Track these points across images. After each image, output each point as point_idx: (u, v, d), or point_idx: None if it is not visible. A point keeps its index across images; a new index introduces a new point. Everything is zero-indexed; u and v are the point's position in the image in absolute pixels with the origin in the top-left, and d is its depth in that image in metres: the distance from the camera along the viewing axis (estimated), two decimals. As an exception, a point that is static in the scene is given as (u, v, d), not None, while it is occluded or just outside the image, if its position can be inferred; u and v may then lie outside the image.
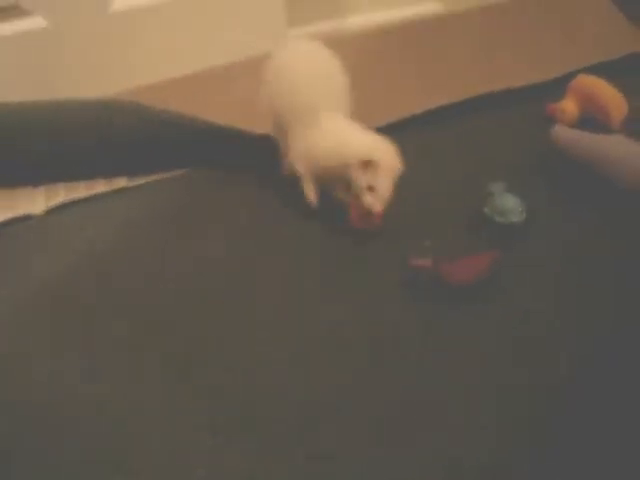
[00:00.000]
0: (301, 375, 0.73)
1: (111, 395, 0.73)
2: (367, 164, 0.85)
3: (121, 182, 1.07)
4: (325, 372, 0.74)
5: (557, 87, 1.14)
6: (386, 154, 0.87)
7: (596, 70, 1.19)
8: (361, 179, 0.86)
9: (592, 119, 1.09)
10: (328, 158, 0.90)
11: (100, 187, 1.06)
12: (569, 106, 1.09)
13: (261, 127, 1.06)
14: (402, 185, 0.88)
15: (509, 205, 0.87)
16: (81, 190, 1.05)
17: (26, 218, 1.00)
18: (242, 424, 0.69)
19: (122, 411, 0.71)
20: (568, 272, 0.83)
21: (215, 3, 1.40)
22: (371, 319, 0.80)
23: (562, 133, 0.97)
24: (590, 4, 1.51)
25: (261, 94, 0.99)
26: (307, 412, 0.70)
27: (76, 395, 0.73)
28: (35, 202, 1.03)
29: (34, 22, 1.27)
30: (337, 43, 1.33)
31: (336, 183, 0.92)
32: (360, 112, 0.99)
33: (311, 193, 0.95)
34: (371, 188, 0.85)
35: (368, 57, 1.33)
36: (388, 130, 1.06)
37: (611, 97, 1.08)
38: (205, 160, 1.08)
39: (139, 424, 0.69)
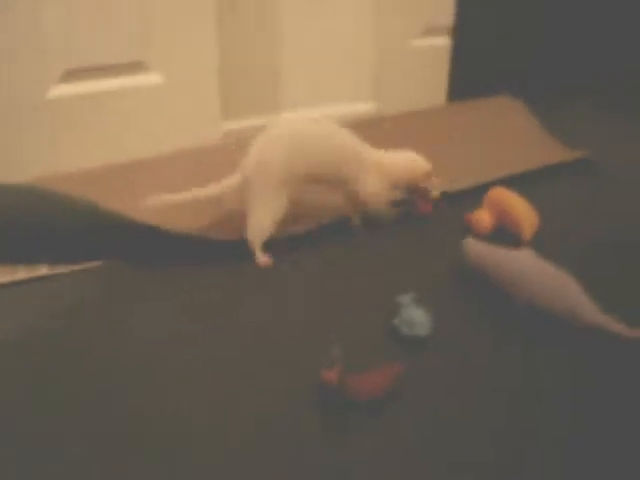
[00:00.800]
0: None
1: None
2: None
3: (42, 270, 1.07)
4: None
5: (477, 196, 1.20)
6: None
7: (513, 181, 1.26)
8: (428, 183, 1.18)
9: (507, 229, 1.14)
10: (401, 177, 1.17)
11: (21, 274, 1.06)
12: (484, 217, 1.15)
13: (189, 217, 1.10)
14: (313, 292, 0.90)
15: (417, 318, 0.89)
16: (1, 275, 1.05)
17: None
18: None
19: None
20: (475, 386, 0.85)
21: (150, 94, 1.43)
22: (275, 419, 0.80)
23: (472, 246, 1.01)
24: (510, 116, 1.60)
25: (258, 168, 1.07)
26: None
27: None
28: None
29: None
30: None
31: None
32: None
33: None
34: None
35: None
36: (305, 235, 1.11)
37: (523, 211, 1.14)
38: (125, 252, 1.10)
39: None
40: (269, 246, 1.09)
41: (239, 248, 1.08)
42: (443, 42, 1.78)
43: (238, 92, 1.55)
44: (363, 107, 1.65)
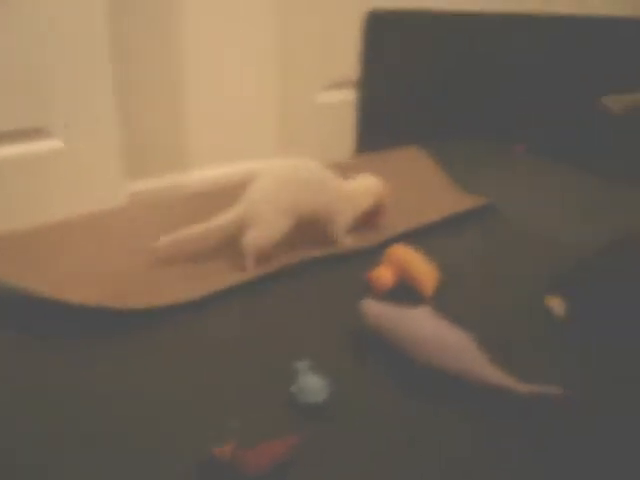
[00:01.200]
0: None
1: None
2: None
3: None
4: None
5: (379, 253, 1.21)
6: None
7: (417, 234, 1.29)
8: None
9: (409, 287, 1.16)
10: (369, 204, 1.31)
11: None
12: (385, 274, 1.15)
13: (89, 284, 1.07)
14: (209, 363, 0.88)
15: (313, 384, 0.88)
16: None
17: None
18: None
19: None
20: (374, 452, 0.84)
21: (51, 160, 1.41)
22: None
23: (369, 307, 1.01)
24: (417, 167, 1.64)
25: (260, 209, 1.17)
26: None
27: None
28: None
29: None
30: (176, 200, 1.37)
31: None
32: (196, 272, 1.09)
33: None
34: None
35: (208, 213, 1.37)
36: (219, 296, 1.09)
37: (423, 267, 1.15)
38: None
39: None
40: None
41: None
42: (348, 96, 1.82)
43: (144, 153, 1.54)
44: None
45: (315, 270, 1.22)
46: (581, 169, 1.93)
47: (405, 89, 1.95)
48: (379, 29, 1.81)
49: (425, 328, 0.94)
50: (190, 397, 0.91)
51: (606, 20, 2.57)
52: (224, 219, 1.19)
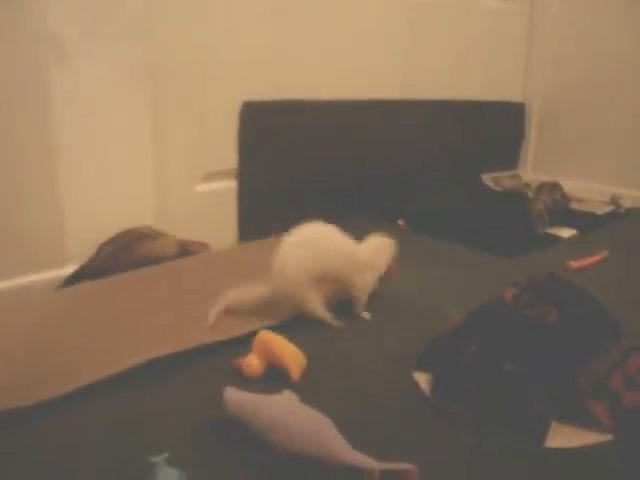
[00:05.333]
0: None
1: None
2: None
3: None
4: None
5: (247, 341, 1.23)
6: None
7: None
8: None
9: (278, 372, 1.18)
10: (383, 264, 1.44)
11: None
12: (254, 361, 1.18)
13: None
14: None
15: (169, 479, 0.88)
16: None
17: None
18: None
19: None
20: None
21: None
22: None
23: (231, 395, 1.02)
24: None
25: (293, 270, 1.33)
26: None
27: None
28: None
29: None
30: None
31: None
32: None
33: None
34: None
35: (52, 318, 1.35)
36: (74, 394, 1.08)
37: (290, 353, 1.18)
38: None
39: None
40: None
41: None
42: (229, 185, 1.88)
43: (24, 249, 1.51)
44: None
45: (185, 360, 1.22)
46: (461, 243, 2.04)
47: (284, 175, 2.02)
48: (254, 119, 1.89)
49: (284, 414, 0.96)
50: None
51: (480, 103, 2.77)
52: (257, 294, 1.34)
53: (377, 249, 1.45)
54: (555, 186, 2.38)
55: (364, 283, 1.41)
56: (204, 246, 1.74)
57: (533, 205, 2.26)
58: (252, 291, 1.35)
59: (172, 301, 1.43)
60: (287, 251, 1.35)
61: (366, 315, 1.43)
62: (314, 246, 1.35)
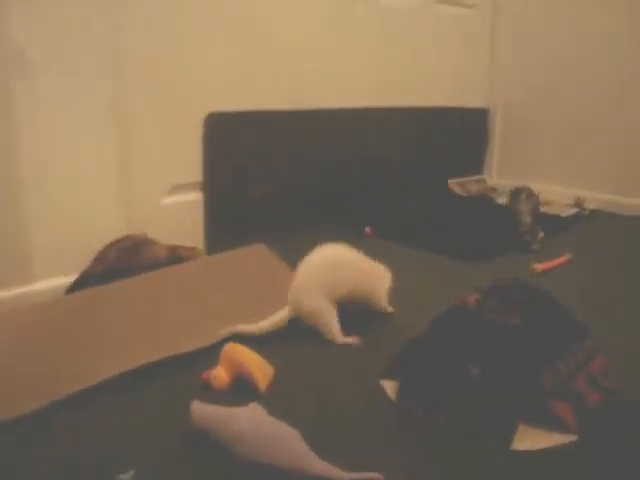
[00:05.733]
0: None
1: None
2: None
3: None
4: None
5: (213, 354, 1.22)
6: None
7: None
8: None
9: (246, 383, 1.17)
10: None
11: None
12: (221, 373, 1.17)
13: None
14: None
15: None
16: None
17: None
18: None
19: None
20: None
21: None
22: None
23: (198, 409, 1.01)
24: (261, 263, 1.68)
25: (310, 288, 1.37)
26: None
27: None
28: None
29: None
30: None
31: None
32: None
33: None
34: None
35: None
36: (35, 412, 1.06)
37: (257, 364, 1.18)
38: None
39: None
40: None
41: None
42: (194, 197, 1.87)
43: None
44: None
45: (152, 374, 1.21)
46: (428, 249, 2.05)
47: (250, 186, 2.02)
48: (219, 130, 1.88)
49: (251, 426, 0.96)
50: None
51: (445, 110, 2.80)
52: (273, 323, 1.36)
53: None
54: (531, 192, 2.35)
55: (384, 289, 1.48)
56: (193, 250, 1.73)
57: (521, 219, 2.20)
58: (275, 318, 1.38)
59: (147, 312, 1.42)
60: (307, 276, 1.38)
61: (390, 308, 1.52)
62: (333, 269, 1.38)
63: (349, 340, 1.37)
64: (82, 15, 1.54)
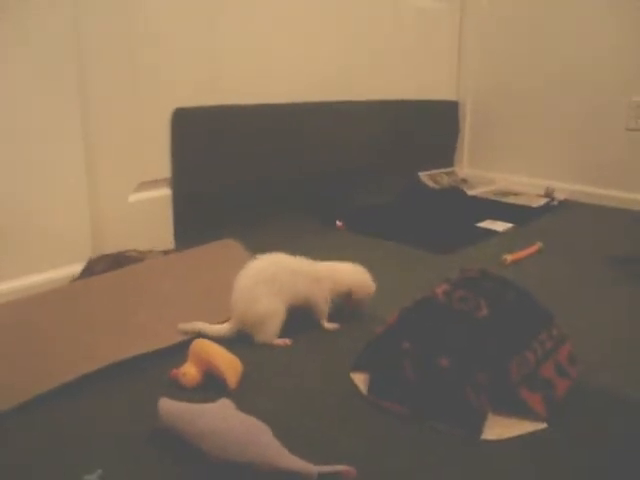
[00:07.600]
0: None
1: None
2: None
3: None
4: None
5: (182, 350, 1.21)
6: None
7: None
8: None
9: (215, 379, 1.16)
10: (347, 287, 1.43)
11: None
12: (190, 370, 1.16)
13: None
14: None
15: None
16: None
17: None
18: None
19: None
20: None
21: None
22: None
23: (165, 406, 1.00)
24: (230, 258, 1.67)
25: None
26: None
27: None
28: None
29: None
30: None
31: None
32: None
33: None
34: None
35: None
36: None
37: (225, 360, 1.16)
38: None
39: None
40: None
41: None
42: (162, 193, 1.85)
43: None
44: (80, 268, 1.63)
45: (120, 371, 1.19)
46: (399, 242, 2.06)
47: (219, 181, 2.00)
48: (186, 126, 1.86)
49: (218, 422, 0.95)
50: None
51: (415, 103, 2.81)
52: (222, 329, 1.32)
53: (343, 267, 1.45)
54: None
55: (323, 294, 1.39)
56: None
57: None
58: (220, 329, 1.33)
59: (114, 310, 1.41)
60: (247, 287, 1.33)
61: (330, 326, 1.42)
62: (274, 276, 1.33)
63: (281, 342, 1.34)
64: (44, 12, 1.50)
